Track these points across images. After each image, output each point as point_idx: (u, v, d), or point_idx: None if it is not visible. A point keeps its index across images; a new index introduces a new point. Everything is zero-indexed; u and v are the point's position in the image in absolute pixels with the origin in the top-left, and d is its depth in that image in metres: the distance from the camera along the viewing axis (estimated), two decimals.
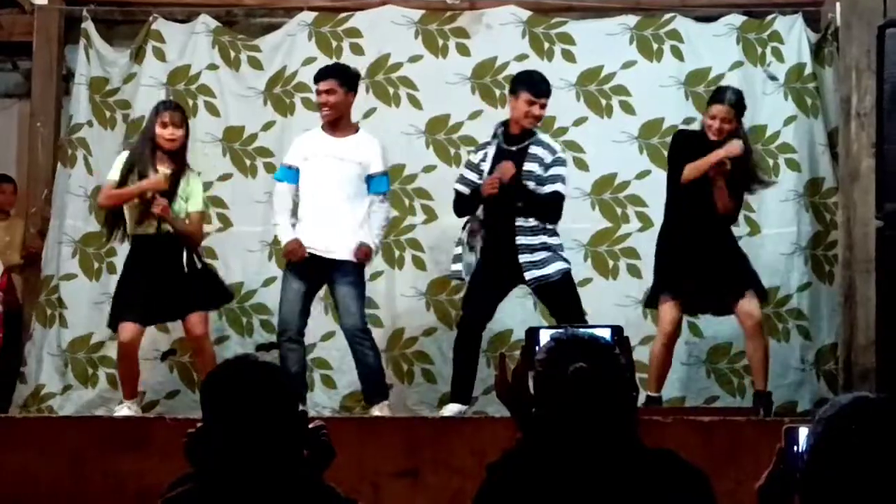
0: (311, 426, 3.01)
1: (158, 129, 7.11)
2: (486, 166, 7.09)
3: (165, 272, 7.10)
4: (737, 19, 8.44)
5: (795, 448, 2.58)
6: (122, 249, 7.66)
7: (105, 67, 8.61)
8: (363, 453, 6.01)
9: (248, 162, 8.37)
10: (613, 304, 7.96)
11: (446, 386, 8.02)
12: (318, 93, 7.29)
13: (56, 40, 8.64)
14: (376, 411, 7.14)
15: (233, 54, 8.57)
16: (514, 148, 7.07)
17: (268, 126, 8.45)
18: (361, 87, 8.37)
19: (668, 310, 7.14)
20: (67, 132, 8.53)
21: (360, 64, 8.39)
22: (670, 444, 3.06)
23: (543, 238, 7.01)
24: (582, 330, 3.09)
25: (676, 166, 7.12)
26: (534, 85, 7.08)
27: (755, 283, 7.18)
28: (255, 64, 8.53)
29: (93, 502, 6.21)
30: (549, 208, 7.05)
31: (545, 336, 3.13)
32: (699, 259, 7.04)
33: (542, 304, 7.38)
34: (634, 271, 8.17)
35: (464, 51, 8.50)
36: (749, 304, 7.07)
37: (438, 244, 8.20)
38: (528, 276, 6.96)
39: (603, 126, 8.33)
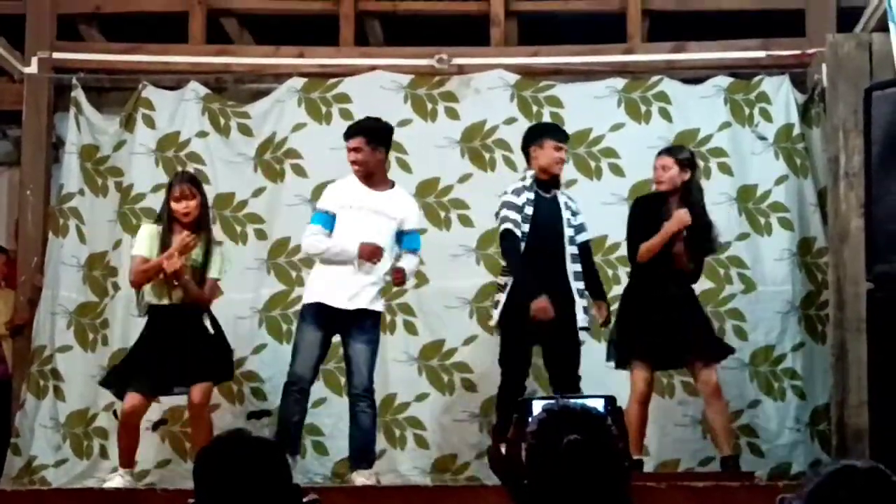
0: (305, 500, 2.98)
1: (173, 204, 7.00)
2: (529, 210, 7.13)
3: (177, 342, 6.98)
4: (724, 81, 8.49)
5: None
6: (116, 321, 7.56)
7: (95, 135, 8.61)
8: None
9: (238, 229, 8.35)
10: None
11: (438, 451, 8.01)
12: (348, 150, 7.17)
13: (46, 108, 8.66)
14: (359, 479, 6.90)
15: (222, 121, 8.57)
16: (549, 195, 7.25)
17: (258, 192, 8.45)
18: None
19: (638, 371, 7.13)
20: (58, 201, 8.51)
21: None
22: None
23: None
24: (573, 401, 3.07)
25: (634, 233, 7.26)
26: (558, 131, 7.42)
27: (708, 350, 7.17)
28: (245, 130, 8.54)
29: None
30: (591, 257, 7.44)
31: (537, 407, 3.11)
32: (659, 320, 7.05)
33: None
34: None
35: (453, 115, 8.53)
36: (703, 373, 7.10)
37: (430, 308, 8.20)
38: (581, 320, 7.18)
39: (592, 188, 8.33)
